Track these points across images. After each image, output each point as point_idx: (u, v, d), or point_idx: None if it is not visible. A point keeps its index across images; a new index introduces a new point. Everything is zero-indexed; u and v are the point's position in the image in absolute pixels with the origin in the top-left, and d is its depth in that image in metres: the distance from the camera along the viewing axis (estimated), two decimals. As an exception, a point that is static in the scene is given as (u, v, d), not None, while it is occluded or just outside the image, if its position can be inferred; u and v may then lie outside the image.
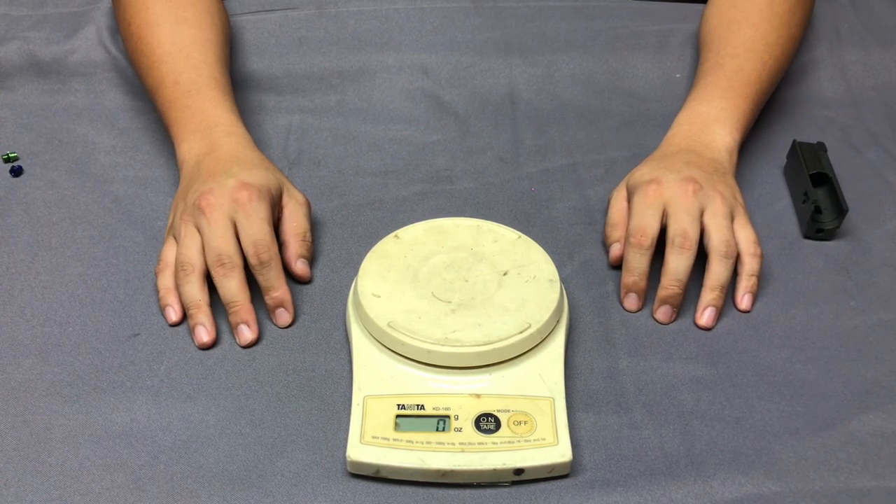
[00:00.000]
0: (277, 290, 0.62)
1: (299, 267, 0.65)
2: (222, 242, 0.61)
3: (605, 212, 0.70)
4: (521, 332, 0.56)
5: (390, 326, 0.56)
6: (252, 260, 0.61)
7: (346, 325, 0.61)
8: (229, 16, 0.85)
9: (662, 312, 0.63)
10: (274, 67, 0.84)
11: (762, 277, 0.66)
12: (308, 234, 0.66)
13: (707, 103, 0.72)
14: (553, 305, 0.58)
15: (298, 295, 0.65)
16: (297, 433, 0.55)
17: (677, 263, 0.62)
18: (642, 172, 0.67)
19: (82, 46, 0.84)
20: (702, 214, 0.64)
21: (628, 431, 0.56)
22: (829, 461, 0.54)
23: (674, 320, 0.63)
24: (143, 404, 0.57)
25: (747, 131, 0.74)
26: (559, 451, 0.52)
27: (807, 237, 0.71)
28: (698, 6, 0.89)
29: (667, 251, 0.63)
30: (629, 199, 0.67)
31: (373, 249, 0.63)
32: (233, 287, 0.60)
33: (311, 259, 0.66)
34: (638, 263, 0.63)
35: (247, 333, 0.61)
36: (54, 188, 0.74)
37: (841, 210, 0.69)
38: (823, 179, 0.72)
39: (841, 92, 0.86)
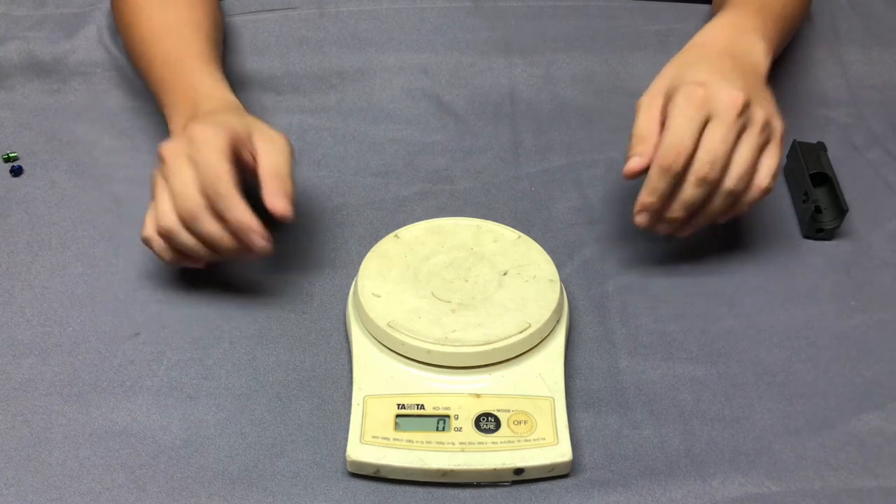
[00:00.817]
0: (235, 213, 0.57)
1: (276, 204, 0.58)
2: (180, 184, 0.58)
3: (633, 119, 0.63)
4: (521, 332, 0.56)
5: (390, 326, 0.56)
6: (209, 194, 0.57)
7: (346, 325, 0.61)
8: (229, 15, 0.85)
9: (660, 227, 0.62)
10: (274, 67, 0.84)
11: (762, 276, 0.66)
12: (284, 170, 0.60)
13: (743, 17, 0.67)
14: (553, 305, 0.58)
15: (298, 294, 0.65)
16: (297, 433, 0.55)
17: (693, 194, 0.59)
18: (685, 73, 0.61)
19: (82, 46, 0.84)
20: (740, 132, 0.59)
21: (628, 431, 0.56)
22: (829, 461, 0.54)
23: (656, 232, 0.62)
24: (143, 404, 0.57)
25: (774, 59, 0.70)
26: (559, 451, 0.52)
27: (807, 237, 0.71)
28: (698, 6, 0.89)
29: (689, 173, 0.58)
30: (668, 101, 0.61)
31: (373, 249, 0.63)
32: (207, 227, 0.58)
33: (291, 195, 0.60)
34: (664, 186, 0.59)
35: (257, 239, 0.58)
36: (54, 188, 0.74)
37: (841, 210, 0.69)
38: (823, 179, 0.72)
39: (841, 91, 0.86)
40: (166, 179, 0.59)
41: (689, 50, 0.65)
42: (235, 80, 0.82)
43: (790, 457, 0.54)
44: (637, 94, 0.85)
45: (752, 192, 0.61)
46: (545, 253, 0.63)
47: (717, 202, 0.60)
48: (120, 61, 0.83)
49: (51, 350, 0.60)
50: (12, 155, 0.77)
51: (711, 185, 0.59)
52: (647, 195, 0.60)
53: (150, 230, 0.60)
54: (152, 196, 0.61)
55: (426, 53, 0.86)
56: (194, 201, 0.57)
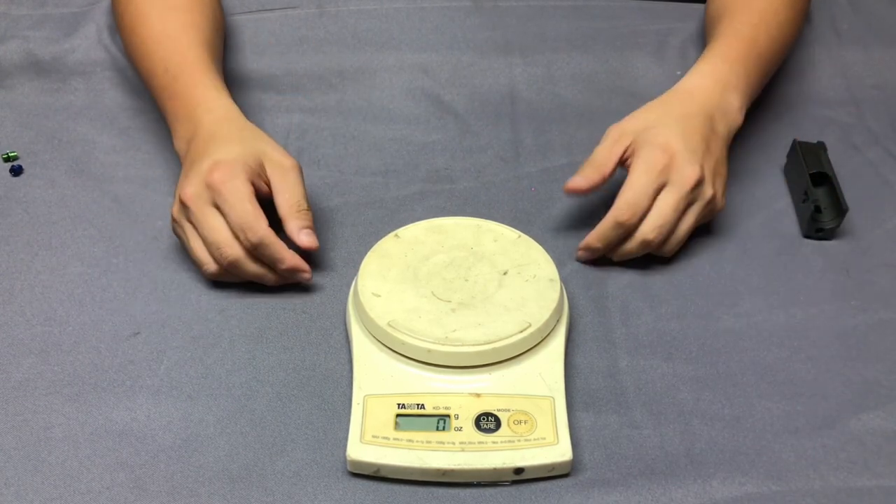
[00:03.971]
0: (284, 261, 0.62)
1: (304, 240, 0.62)
2: (215, 235, 0.61)
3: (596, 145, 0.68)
4: (521, 332, 0.56)
5: (390, 326, 0.56)
6: (246, 245, 0.61)
7: (346, 325, 0.61)
8: (229, 15, 0.85)
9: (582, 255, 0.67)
10: (274, 66, 0.84)
11: (762, 276, 0.66)
12: (303, 202, 0.63)
13: (728, 66, 0.70)
14: (553, 305, 0.58)
15: (298, 294, 0.65)
16: (297, 432, 0.55)
17: (633, 249, 0.65)
18: (657, 130, 0.65)
19: (82, 45, 0.84)
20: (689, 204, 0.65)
21: (628, 431, 0.56)
22: (829, 461, 0.54)
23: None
24: (143, 404, 0.57)
25: (753, 99, 0.74)
26: (559, 451, 0.52)
27: (807, 237, 0.71)
28: (698, 6, 0.89)
29: (637, 232, 0.64)
30: (630, 153, 0.66)
31: (373, 249, 0.63)
32: (250, 270, 0.62)
33: (313, 226, 0.64)
34: (613, 237, 0.65)
35: (306, 277, 0.63)
36: (54, 188, 0.74)
37: (841, 209, 0.69)
38: (823, 179, 0.72)
39: (841, 91, 0.86)
40: (196, 227, 0.62)
41: (672, 99, 0.69)
42: (235, 79, 0.82)
43: (790, 457, 0.54)
44: (637, 93, 0.85)
45: (666, 247, 0.66)
46: (545, 253, 0.63)
47: (638, 250, 0.66)
48: (119, 61, 0.83)
49: (51, 350, 0.60)
50: (12, 154, 0.77)
51: (652, 247, 0.65)
52: (596, 241, 0.65)
53: (210, 269, 0.63)
54: (182, 241, 0.64)
55: (426, 53, 0.86)
56: (235, 252, 0.61)
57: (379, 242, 0.63)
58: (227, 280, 0.64)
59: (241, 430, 0.55)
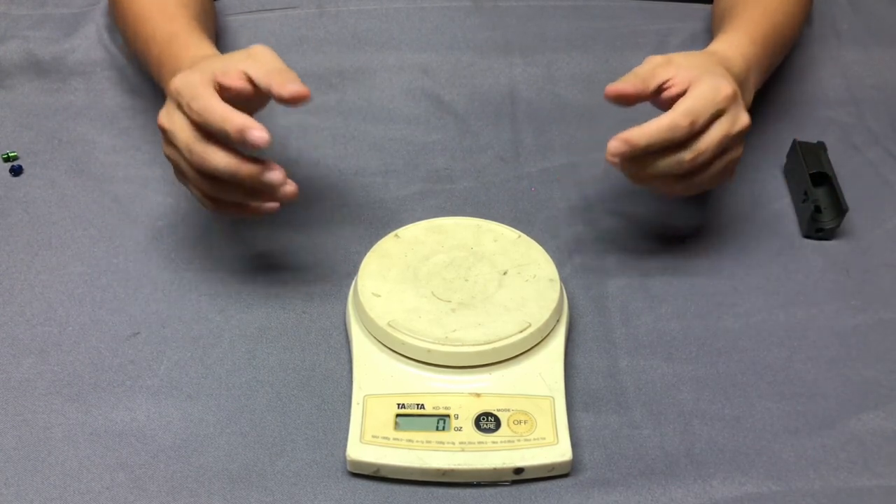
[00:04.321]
0: (231, 120, 0.55)
1: (291, 88, 0.56)
2: (182, 135, 0.57)
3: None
4: (521, 332, 0.56)
5: (390, 326, 0.56)
6: (193, 118, 0.56)
7: (346, 325, 0.61)
8: (230, 15, 0.85)
9: (625, 167, 0.61)
10: (274, 67, 0.84)
11: (762, 276, 0.66)
12: (280, 65, 0.59)
13: (752, 44, 0.69)
14: (553, 305, 0.58)
15: (298, 294, 0.65)
16: (297, 432, 0.55)
17: (668, 166, 0.60)
18: (717, 69, 0.62)
19: (82, 45, 0.84)
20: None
21: (628, 431, 0.56)
22: (829, 461, 0.54)
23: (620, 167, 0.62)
24: (143, 404, 0.57)
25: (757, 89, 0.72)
26: (559, 451, 0.52)
27: (807, 237, 0.71)
28: (698, 6, 0.89)
29: (683, 148, 0.60)
30: (675, 83, 0.62)
31: (373, 249, 0.63)
32: (217, 161, 0.56)
33: (299, 81, 0.58)
34: (658, 141, 0.59)
35: (257, 134, 0.55)
36: (54, 188, 0.74)
37: (841, 210, 0.69)
38: (823, 179, 0.72)
39: (841, 91, 0.86)
40: (174, 147, 0.58)
41: (712, 59, 0.65)
42: (235, 79, 0.82)
43: (790, 457, 0.54)
44: (637, 93, 0.85)
45: (695, 179, 0.62)
46: (545, 252, 0.63)
47: (668, 169, 0.61)
48: (119, 61, 0.83)
49: (51, 350, 0.60)
50: (12, 154, 0.77)
51: (687, 169, 0.61)
52: (642, 138, 0.59)
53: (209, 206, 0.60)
54: (182, 182, 0.61)
55: (426, 53, 0.86)
56: (195, 143, 0.56)
57: (379, 242, 0.63)
58: (224, 210, 0.60)
59: (241, 430, 0.55)
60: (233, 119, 0.55)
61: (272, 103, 0.83)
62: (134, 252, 0.68)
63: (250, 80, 0.58)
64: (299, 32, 0.86)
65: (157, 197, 0.73)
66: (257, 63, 0.59)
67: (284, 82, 0.57)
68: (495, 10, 0.88)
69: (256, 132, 0.55)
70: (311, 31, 0.86)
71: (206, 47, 0.67)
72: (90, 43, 0.84)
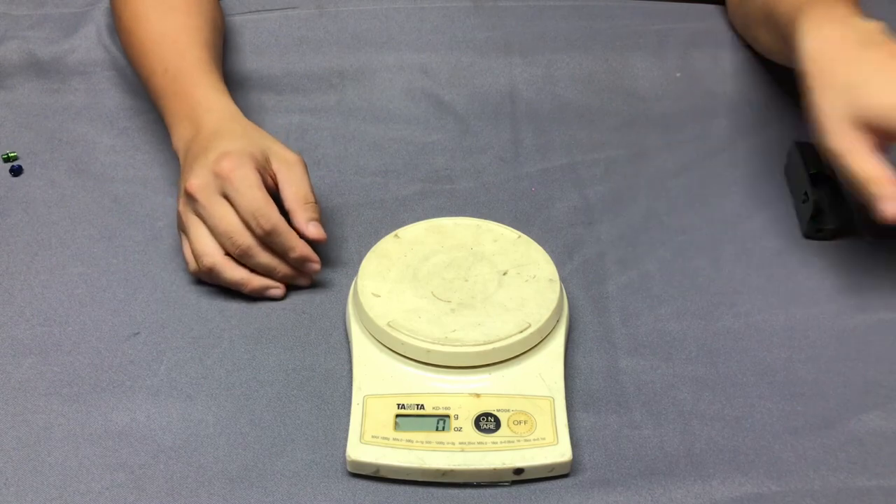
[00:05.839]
0: (295, 249, 0.62)
1: (312, 231, 0.63)
2: (225, 224, 0.60)
3: (839, 167, 0.59)
4: (520, 332, 0.56)
5: (390, 326, 0.56)
6: (257, 231, 0.61)
7: (346, 325, 0.61)
8: (229, 15, 0.85)
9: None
10: (274, 67, 0.84)
11: (762, 276, 0.66)
12: (310, 195, 0.64)
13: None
14: (553, 305, 0.58)
15: (298, 294, 0.65)
16: (297, 433, 0.55)
17: None
18: (869, 90, 0.58)
19: (82, 46, 0.84)
20: None
21: (628, 431, 0.56)
22: (829, 461, 0.54)
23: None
24: (143, 404, 0.57)
25: None
26: (559, 451, 0.52)
27: (807, 237, 0.71)
28: (698, 6, 0.89)
29: None
30: (870, 127, 0.58)
31: (373, 249, 0.63)
32: (262, 260, 0.62)
33: (321, 219, 0.64)
34: None
35: (315, 267, 0.64)
36: (54, 188, 0.74)
37: (841, 210, 0.69)
38: (823, 179, 0.72)
39: (841, 92, 0.86)
40: (203, 218, 0.61)
41: (821, 68, 0.61)
42: (235, 80, 0.82)
43: (790, 457, 0.54)
44: (637, 93, 0.85)
45: None
46: (545, 253, 0.63)
47: None
48: (119, 61, 0.83)
49: (51, 350, 0.60)
50: (12, 155, 0.77)
51: None
52: None
53: (193, 267, 0.63)
54: (184, 233, 0.63)
55: (426, 53, 0.86)
56: (246, 240, 0.61)
57: (379, 242, 0.63)
58: (211, 281, 0.63)
59: (241, 430, 0.55)
60: (298, 247, 0.62)
61: (272, 103, 0.84)
62: (134, 252, 0.68)
63: (274, 185, 0.64)
64: (299, 32, 0.86)
65: (157, 197, 0.73)
66: (292, 181, 0.64)
67: (307, 220, 0.63)
68: (495, 10, 0.89)
69: (315, 266, 0.64)
70: (310, 31, 0.86)
71: (220, 95, 0.69)
72: (90, 43, 0.84)
